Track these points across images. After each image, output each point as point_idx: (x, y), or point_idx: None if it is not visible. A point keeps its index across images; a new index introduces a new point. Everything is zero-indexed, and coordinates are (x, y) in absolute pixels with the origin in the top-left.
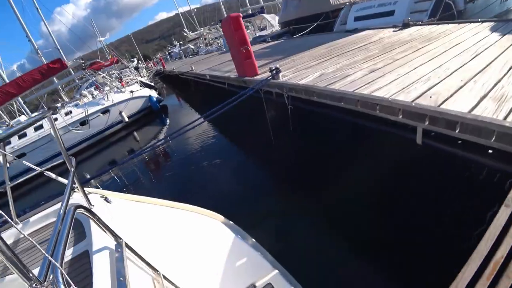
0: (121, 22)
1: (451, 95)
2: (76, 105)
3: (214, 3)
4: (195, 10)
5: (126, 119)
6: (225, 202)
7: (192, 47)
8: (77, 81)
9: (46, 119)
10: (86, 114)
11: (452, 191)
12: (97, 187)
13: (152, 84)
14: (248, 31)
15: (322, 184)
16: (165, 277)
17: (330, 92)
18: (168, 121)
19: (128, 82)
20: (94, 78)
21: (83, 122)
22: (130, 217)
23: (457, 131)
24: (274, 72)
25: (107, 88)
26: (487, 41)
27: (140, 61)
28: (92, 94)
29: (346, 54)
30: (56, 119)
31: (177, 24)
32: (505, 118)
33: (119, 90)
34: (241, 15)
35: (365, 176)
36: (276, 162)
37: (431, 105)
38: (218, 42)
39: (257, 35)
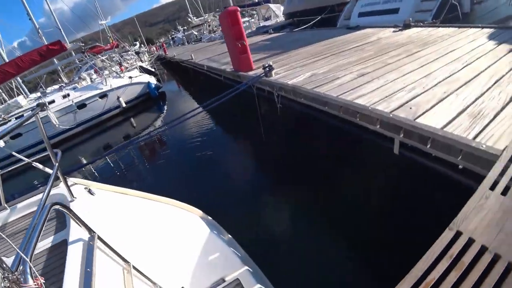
0: (126, 3)
1: (431, 107)
2: (74, 88)
3: None
4: None
5: (124, 105)
6: (209, 196)
7: (196, 33)
8: (77, 62)
9: (35, 112)
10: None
11: (422, 202)
12: (86, 178)
13: (153, 69)
14: (253, 20)
15: (305, 185)
16: (135, 268)
17: (315, 95)
18: (165, 108)
19: (127, 68)
20: (93, 62)
21: (81, 106)
22: (110, 209)
23: (428, 146)
24: (267, 69)
25: (106, 72)
26: (482, 49)
27: (142, 45)
28: (91, 78)
29: (341, 54)
30: (53, 101)
31: (182, 8)
32: (475, 137)
33: (117, 75)
34: (239, 9)
35: (345, 180)
36: (264, 160)
37: (408, 118)
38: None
39: (261, 24)
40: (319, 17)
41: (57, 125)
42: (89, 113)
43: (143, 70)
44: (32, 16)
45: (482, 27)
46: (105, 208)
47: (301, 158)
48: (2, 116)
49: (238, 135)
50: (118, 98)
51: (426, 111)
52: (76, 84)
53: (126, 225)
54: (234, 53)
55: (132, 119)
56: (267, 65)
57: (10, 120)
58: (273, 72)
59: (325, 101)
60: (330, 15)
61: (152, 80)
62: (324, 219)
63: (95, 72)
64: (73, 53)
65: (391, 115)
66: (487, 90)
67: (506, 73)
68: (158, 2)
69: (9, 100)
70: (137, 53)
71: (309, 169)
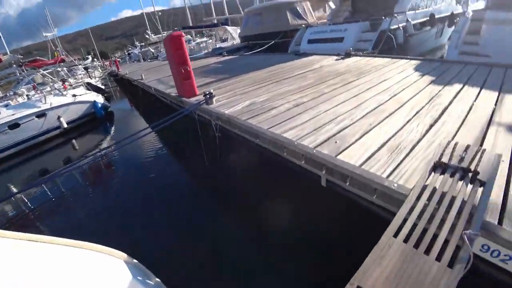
0: (80, 13)
1: (355, 141)
2: (6, 106)
3: (182, 7)
4: (160, 13)
5: (65, 125)
6: (141, 234)
7: (153, 50)
8: (18, 74)
9: None
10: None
11: (342, 239)
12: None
13: (102, 87)
14: (211, 40)
15: (240, 215)
16: None
17: (248, 127)
18: (113, 129)
19: (72, 85)
20: (32, 77)
21: (13, 125)
22: (12, 262)
23: (347, 184)
24: (208, 96)
25: (47, 89)
26: (408, 80)
27: (96, 59)
28: (27, 95)
29: (284, 81)
30: None
31: (141, 24)
32: (390, 174)
33: (60, 93)
34: (183, 34)
35: (274, 208)
36: (204, 187)
37: (331, 153)
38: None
39: (217, 46)
40: (273, 42)
41: None
42: (23, 134)
43: (91, 87)
44: None
45: (410, 59)
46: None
47: (240, 187)
48: None
49: (181, 159)
50: (58, 118)
51: (351, 145)
52: (10, 101)
53: (33, 278)
54: (177, 79)
55: (74, 141)
56: (207, 92)
57: None
58: (214, 99)
59: (256, 133)
60: (284, 40)
61: (99, 99)
62: (260, 251)
63: (33, 88)
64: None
65: (314, 151)
66: (407, 122)
67: (426, 104)
68: (117, 16)
69: None
70: (86, 68)
71: (246, 198)
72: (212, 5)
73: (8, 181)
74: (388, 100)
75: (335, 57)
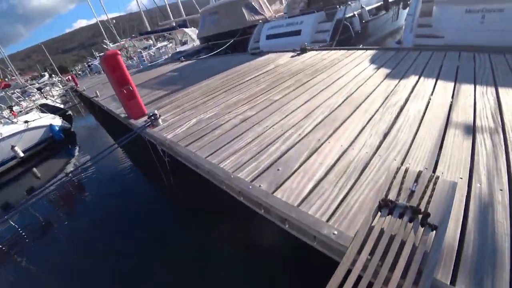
0: (30, 28)
1: (299, 167)
2: None
3: (137, 12)
4: (114, 21)
5: (21, 154)
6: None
7: None
8: None
9: None
10: None
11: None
12: None
13: (61, 106)
14: (171, 44)
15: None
16: None
17: (187, 156)
18: (76, 151)
19: (23, 109)
20: None
21: None
22: None
23: (286, 227)
24: (152, 118)
25: None
26: (364, 75)
27: (55, 75)
28: None
29: (236, 88)
30: None
31: (98, 33)
32: (333, 213)
33: (10, 121)
34: (119, 53)
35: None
36: (163, 216)
37: (269, 190)
38: (141, 56)
39: (177, 50)
40: (232, 40)
41: None
42: None
43: (48, 108)
44: None
45: (366, 49)
46: None
47: (192, 217)
48: None
49: (144, 182)
50: (12, 147)
51: (294, 172)
52: None
53: None
54: (122, 100)
55: (34, 169)
56: (151, 114)
57: None
58: (160, 120)
59: (195, 163)
60: (243, 37)
61: (56, 121)
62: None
63: None
64: None
65: (250, 187)
66: (360, 133)
67: (380, 105)
68: (71, 26)
69: None
70: (39, 89)
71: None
72: (167, 7)
73: None
74: (342, 103)
75: (291, 54)
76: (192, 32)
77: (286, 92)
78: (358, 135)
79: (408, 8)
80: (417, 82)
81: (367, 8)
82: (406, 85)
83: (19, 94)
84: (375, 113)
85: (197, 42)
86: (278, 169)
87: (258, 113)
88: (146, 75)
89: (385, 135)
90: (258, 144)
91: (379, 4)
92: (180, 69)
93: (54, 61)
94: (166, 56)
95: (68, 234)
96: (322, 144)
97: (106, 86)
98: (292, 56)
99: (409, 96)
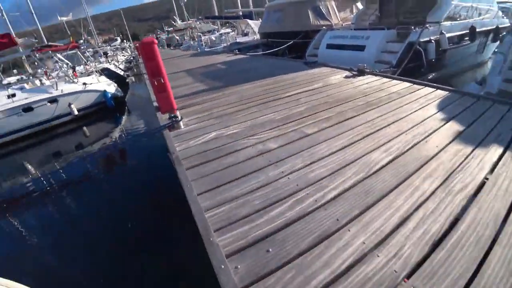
0: None
1: (294, 258)
2: (21, 89)
3: None
4: (186, 0)
5: (76, 112)
6: None
7: (178, 37)
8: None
9: None
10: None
11: None
12: None
13: (121, 72)
14: (233, 33)
15: None
16: None
17: (182, 181)
18: (123, 120)
19: (83, 72)
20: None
21: (27, 109)
22: None
23: None
24: (174, 120)
25: (60, 74)
26: (428, 127)
27: (127, 41)
28: (40, 80)
29: (273, 103)
30: None
31: (172, 8)
32: None
33: (70, 80)
34: (155, 41)
35: None
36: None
37: (236, 285)
38: (203, 39)
39: (237, 40)
40: (291, 42)
41: None
42: (36, 117)
43: (110, 73)
44: None
45: (437, 88)
46: None
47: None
48: None
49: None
50: (69, 105)
51: (286, 263)
52: (25, 84)
53: None
54: (153, 90)
55: (85, 128)
56: (173, 115)
57: None
58: (181, 123)
59: (186, 194)
60: (304, 40)
61: (110, 88)
62: None
63: (45, 74)
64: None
65: (221, 267)
66: (392, 233)
67: (440, 184)
68: None
69: None
70: (105, 53)
71: None
72: None
73: (23, 161)
74: (386, 165)
75: (346, 73)
76: (255, 25)
77: (323, 126)
78: (392, 232)
79: (498, 42)
80: (500, 157)
81: (448, 35)
82: (483, 160)
83: (90, 55)
84: (429, 197)
85: (258, 36)
86: (268, 250)
87: (282, 147)
88: (198, 60)
89: (435, 246)
90: (264, 196)
91: (463, 32)
92: (230, 63)
93: (129, 28)
94: (225, 44)
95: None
96: (339, 229)
97: (163, 63)
98: (347, 77)
99: (485, 180)
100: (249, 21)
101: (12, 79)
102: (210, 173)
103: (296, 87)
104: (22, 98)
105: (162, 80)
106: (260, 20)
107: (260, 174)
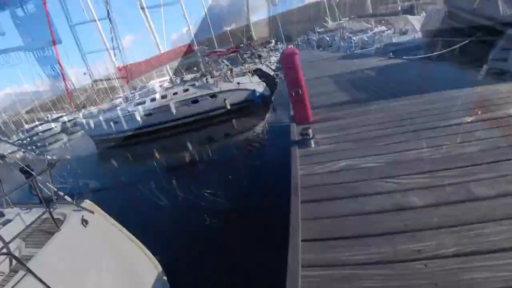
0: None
1: None
2: (193, 85)
3: None
4: (337, 0)
5: (228, 107)
6: None
7: (328, 38)
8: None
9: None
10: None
11: None
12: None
13: (272, 73)
14: (389, 31)
15: None
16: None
17: (292, 216)
18: (267, 116)
19: (238, 73)
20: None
21: (195, 101)
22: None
23: None
24: (306, 137)
25: (221, 74)
26: None
27: (280, 42)
28: (206, 79)
29: (426, 132)
30: (176, 93)
31: (324, 9)
32: None
33: (228, 80)
34: (297, 52)
35: None
36: None
37: None
38: (354, 39)
39: (393, 40)
40: (467, 41)
41: (174, 113)
42: (200, 108)
43: (261, 73)
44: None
45: None
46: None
47: None
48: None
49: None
50: (224, 100)
51: None
52: (196, 82)
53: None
54: (290, 99)
55: (233, 120)
56: (305, 133)
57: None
58: (312, 141)
59: (289, 237)
60: (485, 38)
61: (259, 88)
62: None
63: (231, 74)
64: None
65: None
66: None
67: None
68: (303, 1)
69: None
70: (259, 56)
71: None
72: None
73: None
74: None
75: None
76: (417, 22)
77: (510, 189)
78: None
79: None
80: None
81: None
82: None
83: (247, 57)
84: None
85: (419, 35)
86: None
87: (430, 208)
88: (345, 64)
89: None
90: (380, 281)
91: None
92: (381, 69)
93: (284, 30)
94: (378, 46)
95: None
96: None
97: (306, 66)
98: None
99: None
100: (409, 17)
101: (189, 76)
102: (325, 216)
103: (470, 111)
104: (192, 93)
105: (300, 91)
106: (424, 15)
107: (386, 243)
